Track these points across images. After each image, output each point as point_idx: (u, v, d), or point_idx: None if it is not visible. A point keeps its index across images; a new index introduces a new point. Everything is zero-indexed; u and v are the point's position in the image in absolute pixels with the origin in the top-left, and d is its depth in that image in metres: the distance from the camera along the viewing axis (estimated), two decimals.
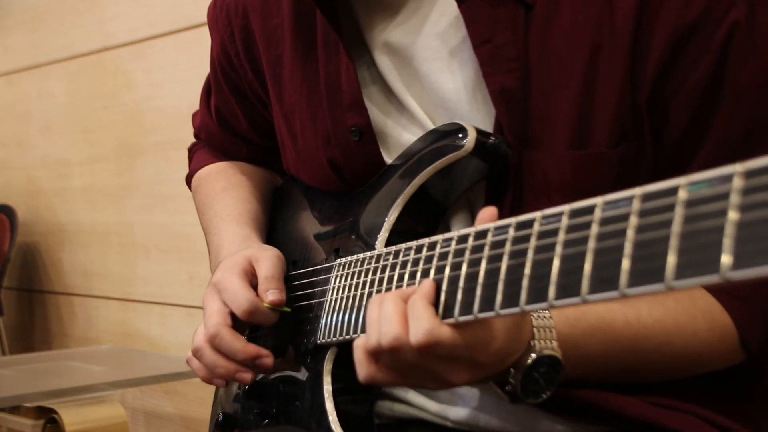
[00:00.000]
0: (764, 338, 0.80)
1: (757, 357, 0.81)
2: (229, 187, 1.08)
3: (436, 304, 0.66)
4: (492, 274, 0.61)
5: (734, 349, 0.79)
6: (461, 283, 0.64)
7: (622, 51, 0.77)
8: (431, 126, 0.85)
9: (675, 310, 0.77)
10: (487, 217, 0.65)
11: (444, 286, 0.66)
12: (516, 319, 0.68)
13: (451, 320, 0.65)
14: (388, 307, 0.67)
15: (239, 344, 0.86)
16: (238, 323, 0.88)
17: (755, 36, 0.76)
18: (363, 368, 0.71)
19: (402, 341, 0.66)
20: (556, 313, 0.72)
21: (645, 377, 0.80)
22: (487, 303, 0.61)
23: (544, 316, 0.71)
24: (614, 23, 0.77)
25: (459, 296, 0.64)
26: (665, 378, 0.81)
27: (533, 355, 0.69)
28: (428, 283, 0.67)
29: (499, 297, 0.60)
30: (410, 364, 0.67)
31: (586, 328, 0.74)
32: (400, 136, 0.88)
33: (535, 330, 0.70)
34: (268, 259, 0.89)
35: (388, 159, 0.88)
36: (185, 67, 2.49)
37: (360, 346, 0.70)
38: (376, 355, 0.69)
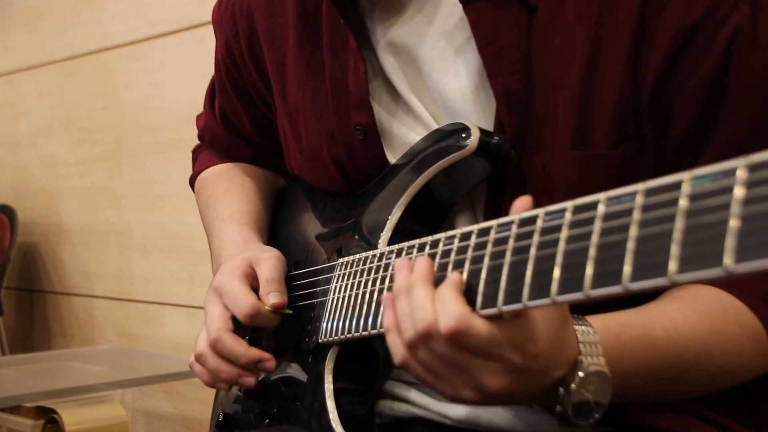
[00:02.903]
0: None
1: None
2: (231, 188, 1.08)
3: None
4: (494, 270, 0.61)
5: (766, 352, 0.77)
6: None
7: (624, 50, 0.76)
8: (435, 126, 0.85)
9: (709, 318, 0.75)
10: (520, 207, 0.63)
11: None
12: (557, 325, 0.64)
13: None
14: (420, 294, 0.65)
15: (241, 348, 0.86)
16: (239, 326, 0.88)
17: (757, 38, 0.75)
18: (399, 351, 0.67)
19: (434, 328, 0.63)
20: (599, 327, 0.69)
21: (686, 390, 0.77)
22: (490, 300, 0.61)
23: (588, 332, 0.68)
24: (616, 22, 0.77)
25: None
26: (706, 391, 0.78)
27: (580, 374, 0.65)
28: (456, 274, 0.65)
29: (500, 295, 0.60)
30: (443, 359, 0.64)
31: (628, 341, 0.71)
32: (405, 136, 0.88)
33: (581, 346, 0.66)
34: (268, 261, 0.89)
35: (392, 159, 0.88)
36: (185, 67, 2.49)
37: (392, 332, 0.68)
38: (413, 348, 0.66)
